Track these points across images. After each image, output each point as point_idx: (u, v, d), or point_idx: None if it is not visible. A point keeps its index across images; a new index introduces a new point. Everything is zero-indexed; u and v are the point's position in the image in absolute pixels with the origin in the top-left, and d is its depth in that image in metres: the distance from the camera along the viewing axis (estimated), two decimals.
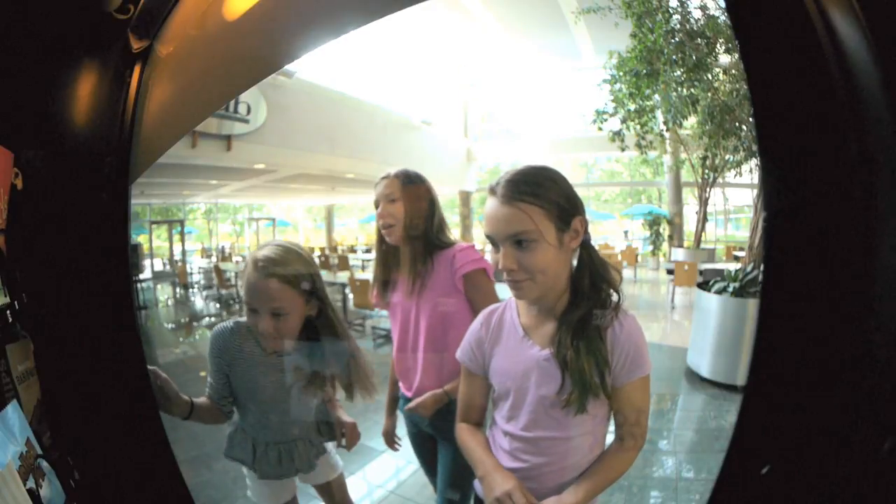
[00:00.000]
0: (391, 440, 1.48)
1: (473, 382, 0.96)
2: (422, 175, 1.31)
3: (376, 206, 1.30)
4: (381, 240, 1.32)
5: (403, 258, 1.31)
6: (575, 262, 0.86)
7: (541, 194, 0.79)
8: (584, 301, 0.83)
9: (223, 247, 10.54)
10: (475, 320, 0.97)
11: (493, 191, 0.82)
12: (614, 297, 0.85)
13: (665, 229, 8.09)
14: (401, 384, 1.36)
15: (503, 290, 0.94)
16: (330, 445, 1.30)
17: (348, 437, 1.21)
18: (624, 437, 0.87)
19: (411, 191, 1.28)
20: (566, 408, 0.83)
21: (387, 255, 1.33)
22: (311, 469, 1.23)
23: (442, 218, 1.30)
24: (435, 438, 1.32)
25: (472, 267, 1.22)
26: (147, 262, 8.03)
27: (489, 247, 0.87)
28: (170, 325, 5.81)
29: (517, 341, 0.89)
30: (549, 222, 0.79)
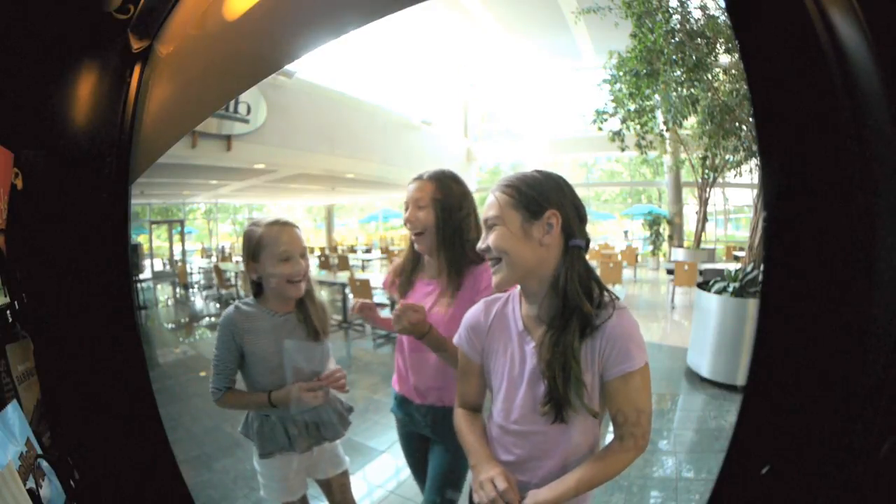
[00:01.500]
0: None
1: (471, 368, 0.98)
2: (459, 178, 1.23)
3: (405, 209, 1.22)
4: (412, 241, 1.26)
5: (430, 267, 1.25)
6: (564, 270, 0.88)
7: (514, 185, 0.87)
8: (571, 312, 0.84)
9: (223, 247, 10.55)
10: (475, 306, 0.99)
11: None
12: (606, 297, 0.87)
13: (665, 229, 8.10)
14: (397, 383, 1.34)
15: None
16: (338, 441, 1.33)
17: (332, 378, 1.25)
18: (623, 437, 0.86)
19: (448, 198, 1.19)
20: (544, 416, 0.85)
21: (417, 256, 1.27)
22: (337, 436, 1.29)
23: (479, 227, 1.16)
24: (426, 439, 1.31)
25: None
26: (147, 262, 8.03)
27: None
28: (170, 325, 5.81)
29: (517, 334, 0.91)
30: (513, 210, 0.85)
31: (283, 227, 1.19)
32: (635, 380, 0.84)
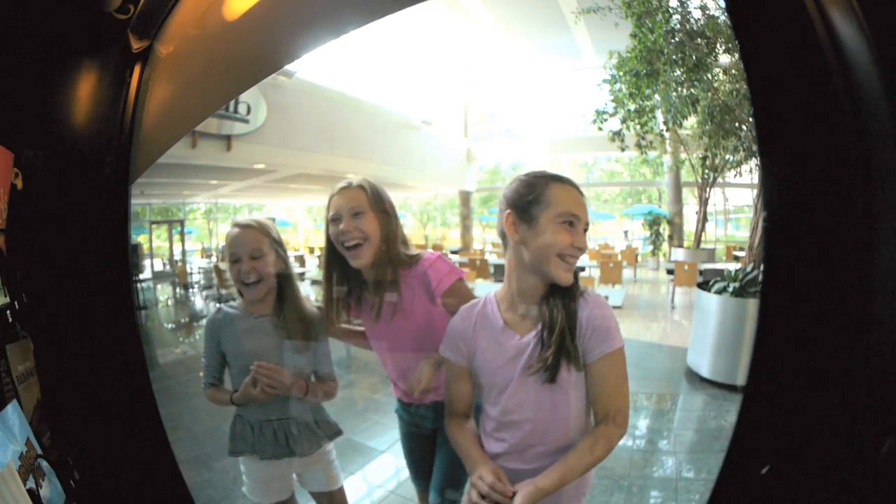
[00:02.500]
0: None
1: (458, 374, 1.01)
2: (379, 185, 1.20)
3: (334, 222, 1.15)
4: (334, 258, 1.19)
5: (371, 281, 1.17)
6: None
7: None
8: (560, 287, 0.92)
9: (223, 247, 10.52)
10: (455, 316, 1.04)
11: (570, 182, 0.94)
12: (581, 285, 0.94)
13: (665, 229, 8.10)
14: (395, 390, 1.33)
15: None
16: (333, 454, 1.33)
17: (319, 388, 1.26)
18: (605, 419, 0.89)
19: (381, 203, 1.16)
20: (538, 372, 0.89)
21: (346, 275, 1.20)
22: (306, 452, 1.26)
23: (403, 230, 1.19)
24: (430, 439, 1.30)
25: (449, 281, 1.15)
26: (147, 262, 8.02)
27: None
28: (170, 325, 5.81)
29: (499, 332, 0.96)
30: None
31: (235, 228, 1.22)
32: (614, 360, 0.88)
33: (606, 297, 0.95)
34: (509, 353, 0.93)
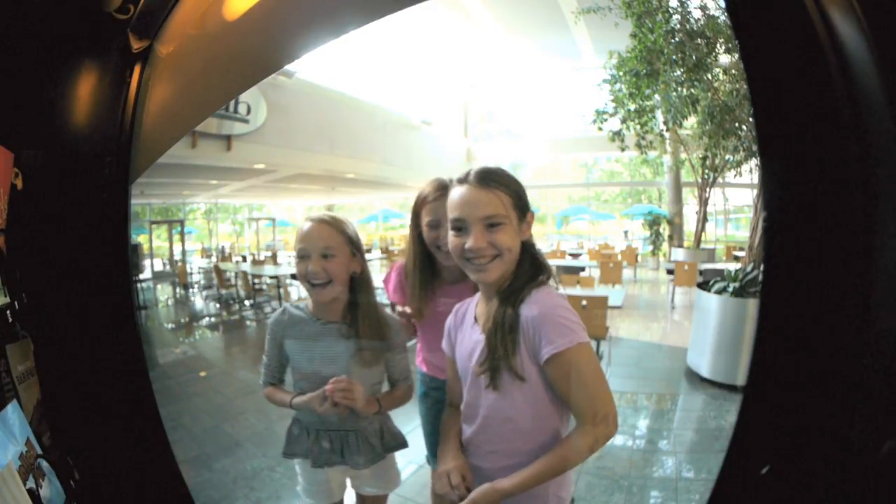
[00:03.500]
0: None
1: (451, 366, 1.04)
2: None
3: (432, 227, 1.16)
4: (425, 252, 1.21)
5: (452, 271, 1.19)
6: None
7: (509, 185, 0.89)
8: (518, 280, 0.89)
9: (223, 247, 10.55)
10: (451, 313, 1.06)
11: (462, 181, 0.90)
12: (540, 278, 0.90)
13: (665, 229, 8.10)
14: (430, 368, 1.31)
15: None
16: (392, 461, 1.26)
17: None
18: (580, 421, 0.85)
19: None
20: (479, 375, 0.88)
21: (432, 259, 1.22)
22: (360, 466, 1.19)
23: None
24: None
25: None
26: (147, 262, 8.03)
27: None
28: (170, 325, 5.81)
29: (469, 327, 0.97)
30: (513, 210, 0.89)
31: (308, 222, 1.12)
32: (568, 359, 0.81)
33: (558, 290, 0.92)
34: (469, 348, 0.94)
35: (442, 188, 1.14)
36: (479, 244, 0.86)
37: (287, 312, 1.18)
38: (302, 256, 1.09)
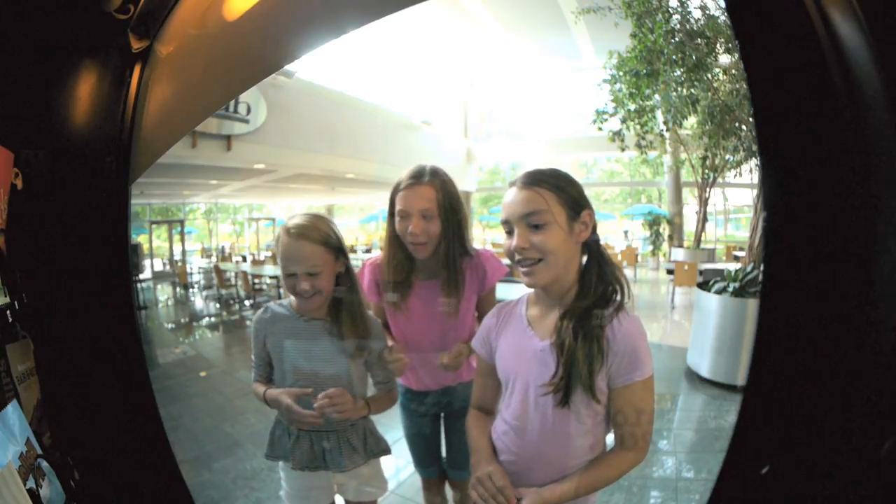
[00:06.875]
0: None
1: (484, 370, 1.01)
2: (451, 178, 1.18)
3: (402, 216, 1.15)
4: (398, 244, 1.19)
5: (427, 267, 1.20)
6: (584, 261, 0.91)
7: (554, 182, 0.86)
8: (591, 295, 0.86)
9: (223, 247, 10.54)
10: (490, 312, 1.03)
11: (512, 183, 0.89)
12: (617, 298, 0.87)
13: (665, 229, 8.09)
14: (409, 380, 1.32)
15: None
16: (377, 467, 1.24)
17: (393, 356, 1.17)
18: (623, 441, 0.86)
19: (451, 203, 1.14)
20: (548, 395, 0.85)
21: (408, 261, 1.21)
22: (341, 468, 1.18)
23: (468, 226, 1.21)
24: (438, 424, 1.33)
25: (501, 274, 1.23)
26: (147, 262, 8.02)
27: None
28: (170, 325, 5.81)
29: (521, 331, 0.93)
30: (560, 206, 0.85)
31: (288, 237, 1.08)
32: (642, 388, 0.84)
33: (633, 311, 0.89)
34: (526, 355, 0.90)
35: (415, 176, 1.15)
36: (521, 244, 0.85)
37: (269, 310, 1.18)
38: (289, 274, 1.09)
